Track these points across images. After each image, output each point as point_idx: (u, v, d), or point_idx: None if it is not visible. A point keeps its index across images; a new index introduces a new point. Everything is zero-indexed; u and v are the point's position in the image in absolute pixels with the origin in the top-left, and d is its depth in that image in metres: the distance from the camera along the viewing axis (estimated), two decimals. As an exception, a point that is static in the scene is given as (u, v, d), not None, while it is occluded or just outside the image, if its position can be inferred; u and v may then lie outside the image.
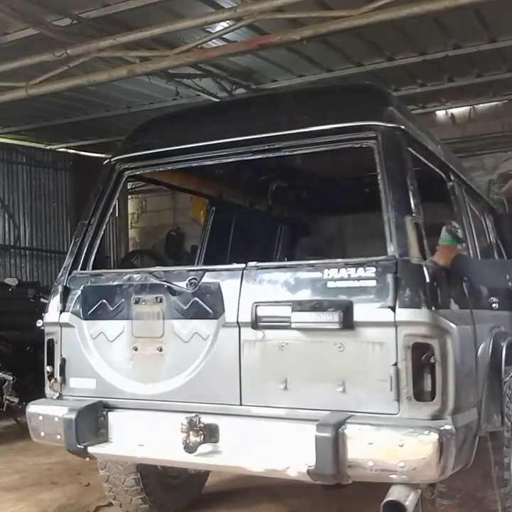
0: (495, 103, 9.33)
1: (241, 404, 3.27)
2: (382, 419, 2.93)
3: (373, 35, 6.61)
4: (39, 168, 11.00)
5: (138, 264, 11.23)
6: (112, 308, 3.64)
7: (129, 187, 11.50)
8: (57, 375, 3.77)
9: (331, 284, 3.11)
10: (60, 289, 3.80)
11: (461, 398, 3.01)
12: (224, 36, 6.07)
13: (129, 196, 12.19)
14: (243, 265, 3.39)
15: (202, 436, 3.22)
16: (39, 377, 4.06)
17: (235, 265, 3.44)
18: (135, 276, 3.67)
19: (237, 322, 3.29)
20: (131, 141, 4.13)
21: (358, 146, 3.37)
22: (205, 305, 3.39)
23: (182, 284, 3.46)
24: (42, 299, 7.11)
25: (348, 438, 2.89)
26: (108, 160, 4.05)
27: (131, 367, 3.58)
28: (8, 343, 7.26)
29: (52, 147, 10.98)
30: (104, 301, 3.66)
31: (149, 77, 7.14)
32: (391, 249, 3.07)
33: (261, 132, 3.57)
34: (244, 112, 3.96)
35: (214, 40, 6.18)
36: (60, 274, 3.91)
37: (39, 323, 3.93)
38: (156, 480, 4.36)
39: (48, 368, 3.83)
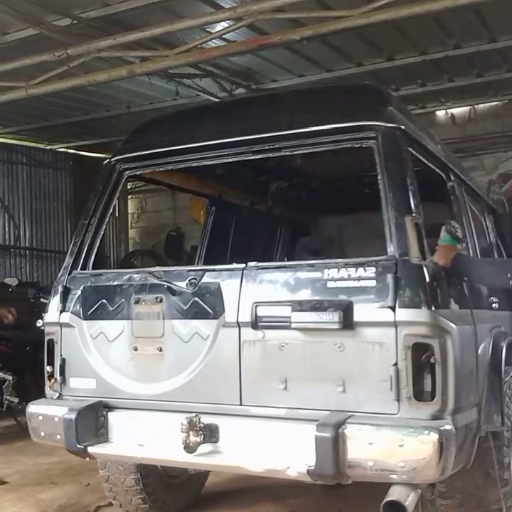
0: (495, 103, 9.33)
1: (241, 404, 3.27)
2: (382, 419, 2.93)
3: (373, 35, 6.61)
4: (39, 168, 11.01)
5: (138, 264, 11.22)
6: (111, 308, 3.64)
7: (129, 187, 11.51)
8: (57, 375, 3.76)
9: (330, 284, 3.11)
10: (60, 289, 3.80)
11: (461, 398, 3.01)
12: (224, 36, 6.08)
13: (129, 196, 12.18)
14: (243, 265, 3.38)
15: (202, 436, 3.22)
16: (39, 377, 4.06)
17: (234, 265, 3.44)
18: (135, 276, 3.67)
19: (237, 322, 3.29)
20: (131, 141, 4.13)
21: (358, 146, 3.37)
22: (205, 305, 3.38)
23: (182, 284, 3.46)
24: (42, 299, 7.09)
25: (348, 438, 2.89)
26: (108, 160, 4.05)
27: (131, 367, 3.58)
28: (8, 343, 7.25)
29: (52, 147, 10.96)
30: (104, 301, 3.66)
31: (149, 77, 7.14)
32: (391, 249, 3.06)
33: (261, 132, 3.57)
34: (244, 112, 3.96)
35: (214, 40, 6.19)
36: (60, 274, 3.91)
37: (39, 323, 3.93)
38: (156, 480, 4.36)
39: (48, 368, 3.83)
